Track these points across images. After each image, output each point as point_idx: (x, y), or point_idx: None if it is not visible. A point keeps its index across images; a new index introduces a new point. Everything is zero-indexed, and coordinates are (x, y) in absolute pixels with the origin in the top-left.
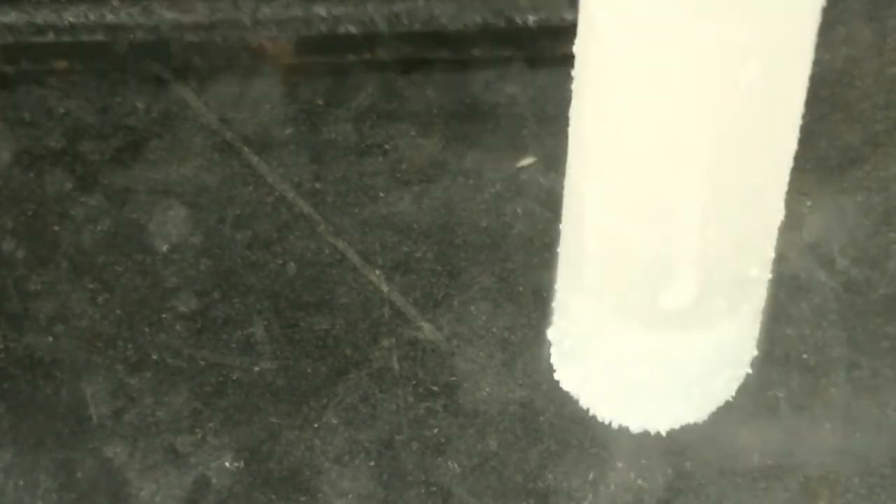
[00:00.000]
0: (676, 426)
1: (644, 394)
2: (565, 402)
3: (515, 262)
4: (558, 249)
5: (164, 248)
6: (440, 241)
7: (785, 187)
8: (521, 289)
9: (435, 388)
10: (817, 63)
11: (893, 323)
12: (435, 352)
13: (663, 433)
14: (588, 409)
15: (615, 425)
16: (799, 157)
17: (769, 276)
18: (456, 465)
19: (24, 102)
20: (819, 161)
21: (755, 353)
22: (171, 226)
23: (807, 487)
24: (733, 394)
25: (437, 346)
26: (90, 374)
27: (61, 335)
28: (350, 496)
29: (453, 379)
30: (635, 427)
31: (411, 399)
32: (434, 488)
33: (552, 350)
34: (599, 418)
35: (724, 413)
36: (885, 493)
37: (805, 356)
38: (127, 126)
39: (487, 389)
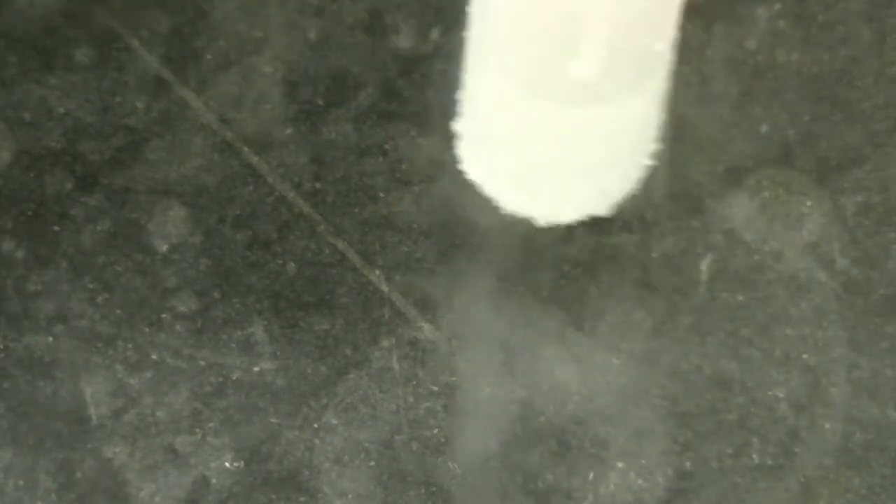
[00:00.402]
0: (580, 216)
1: (548, 180)
2: (565, 401)
3: (515, 262)
4: (467, 29)
5: (164, 248)
6: (440, 241)
7: None
8: (521, 289)
9: (435, 388)
10: (817, 63)
11: (893, 323)
12: (435, 352)
13: (569, 222)
14: (491, 200)
15: (520, 214)
16: (799, 157)
17: (670, 58)
18: (456, 465)
19: (24, 102)
20: (819, 161)
21: (657, 144)
22: (171, 226)
23: (807, 487)
24: (636, 186)
25: (437, 346)
26: (90, 374)
27: (61, 335)
28: (350, 496)
29: (453, 379)
30: (540, 218)
31: (411, 399)
32: (434, 488)
33: (458, 142)
34: (503, 207)
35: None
36: (885, 493)
37: (805, 356)
38: (127, 126)
39: (487, 389)
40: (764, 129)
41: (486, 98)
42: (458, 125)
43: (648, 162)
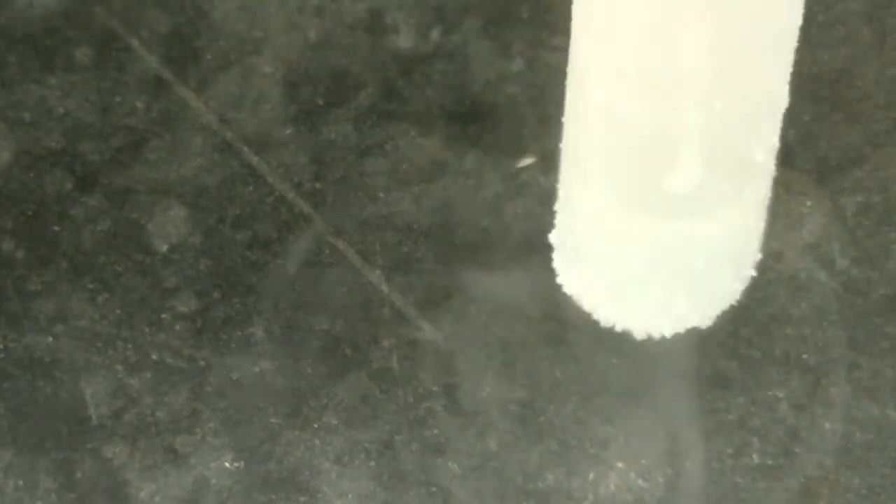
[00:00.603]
0: (680, 329)
1: (647, 293)
2: (565, 401)
3: (515, 262)
4: (560, 146)
5: (164, 248)
6: (440, 241)
7: (790, 69)
8: (521, 289)
9: (435, 388)
10: (817, 63)
11: (893, 323)
12: (435, 352)
13: (667, 335)
14: (591, 315)
15: (618, 328)
16: (799, 157)
17: (773, 168)
18: (456, 465)
19: (24, 102)
20: (819, 161)
21: (759, 256)
22: (171, 226)
23: (807, 487)
24: (738, 298)
25: (437, 346)
26: (90, 374)
27: (61, 335)
28: (350, 496)
29: (453, 379)
30: (638, 331)
31: (411, 399)
32: (434, 488)
33: (554, 255)
34: (602, 322)
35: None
36: (885, 493)
37: (805, 356)
38: (127, 126)
39: (487, 389)
40: None
41: (580, 210)
42: (553, 237)
43: (751, 273)
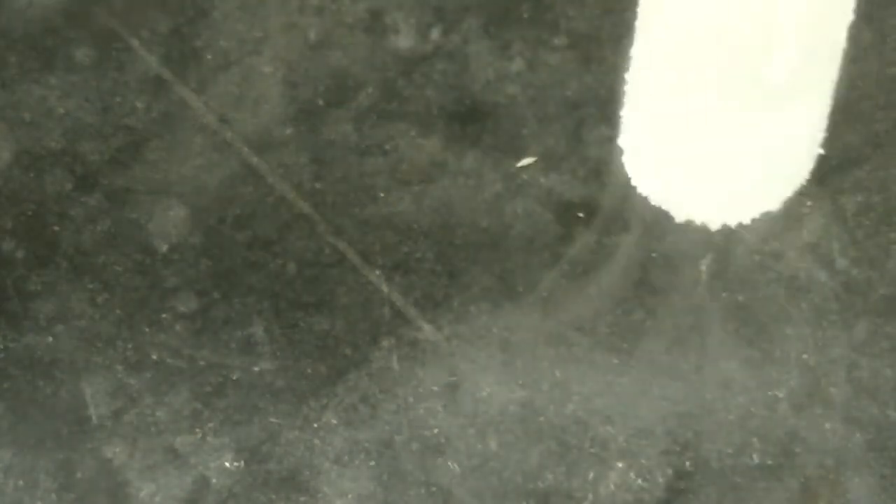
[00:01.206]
0: (756, 215)
1: (723, 183)
2: (565, 401)
3: (515, 262)
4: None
5: (164, 248)
6: (440, 241)
7: None
8: (521, 289)
9: (435, 388)
10: None
11: (893, 323)
12: (435, 352)
13: (746, 222)
14: (669, 211)
15: (698, 221)
16: None
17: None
18: (456, 465)
19: (24, 102)
20: (819, 161)
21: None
22: (171, 226)
23: (807, 487)
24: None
25: (437, 346)
26: (90, 374)
27: (61, 335)
28: (350, 496)
29: (453, 379)
30: (713, 222)
31: (411, 399)
32: (434, 488)
33: (624, 158)
34: (681, 217)
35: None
36: (885, 493)
37: (805, 356)
38: (127, 126)
39: (487, 389)
40: None
41: (656, 108)
42: (623, 140)
43: (821, 151)
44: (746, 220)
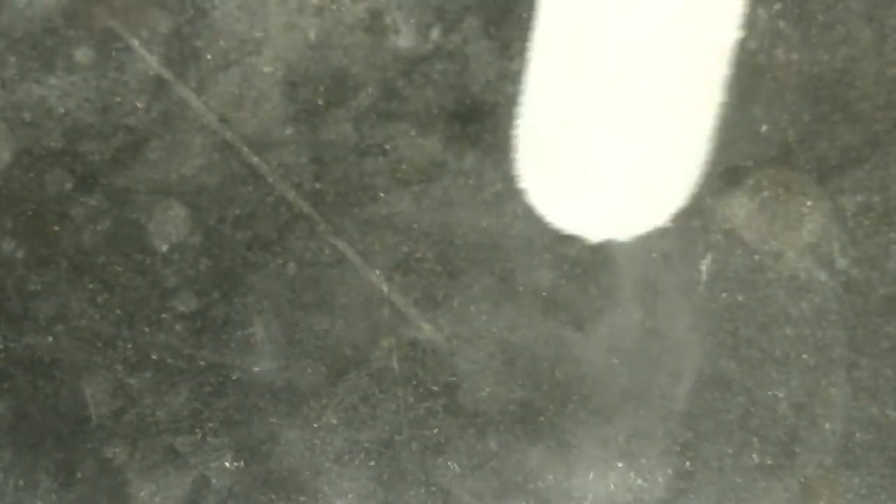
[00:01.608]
0: (644, 230)
1: (604, 196)
2: (565, 401)
3: (515, 262)
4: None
5: (164, 248)
6: (440, 241)
7: None
8: (521, 289)
9: (435, 388)
10: (817, 63)
11: (893, 323)
12: (435, 352)
13: (624, 240)
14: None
15: (578, 234)
16: (799, 157)
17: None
18: (456, 465)
19: (24, 102)
20: (819, 161)
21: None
22: (171, 226)
23: (807, 487)
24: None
25: (437, 346)
26: (90, 374)
27: (61, 335)
28: (350, 496)
29: (453, 379)
30: (594, 235)
31: (411, 399)
32: (434, 488)
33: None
34: (558, 227)
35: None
36: (885, 493)
37: (805, 356)
38: (127, 126)
39: (487, 389)
40: (764, 129)
41: (545, 118)
42: (519, 144)
43: (705, 164)
44: (626, 237)
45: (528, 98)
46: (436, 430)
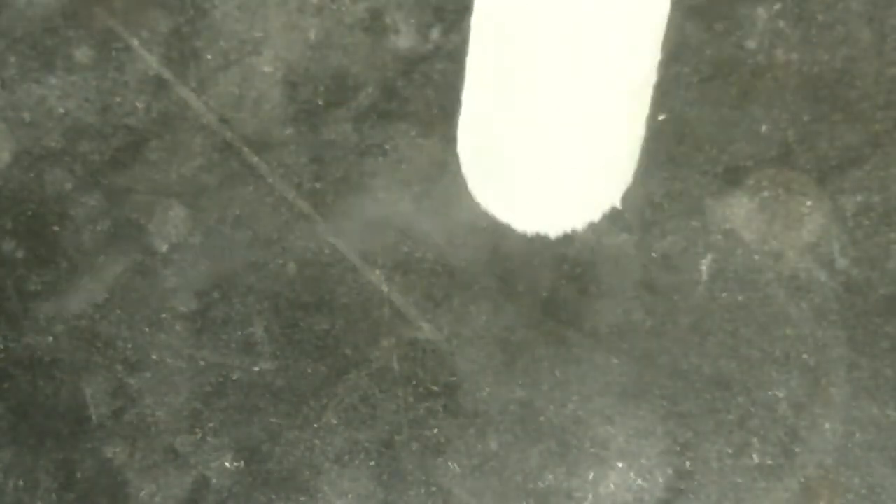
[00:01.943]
0: (593, 218)
1: (554, 193)
2: (565, 401)
3: (515, 262)
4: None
5: (164, 248)
6: (440, 241)
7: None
8: (521, 289)
9: (435, 388)
10: (817, 63)
11: (893, 323)
12: (435, 352)
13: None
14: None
15: (539, 231)
16: (799, 157)
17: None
18: (456, 465)
19: (24, 102)
20: (819, 161)
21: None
22: (171, 226)
23: (807, 487)
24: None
25: (437, 346)
26: (90, 374)
27: (61, 335)
28: (350, 496)
29: (453, 379)
30: (554, 230)
31: (411, 399)
32: (434, 488)
33: (468, 180)
34: (521, 229)
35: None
36: (885, 493)
37: (805, 356)
38: (127, 126)
39: (487, 389)
40: (764, 129)
41: (486, 131)
42: (464, 163)
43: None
44: (580, 226)
45: (468, 90)
46: (436, 430)
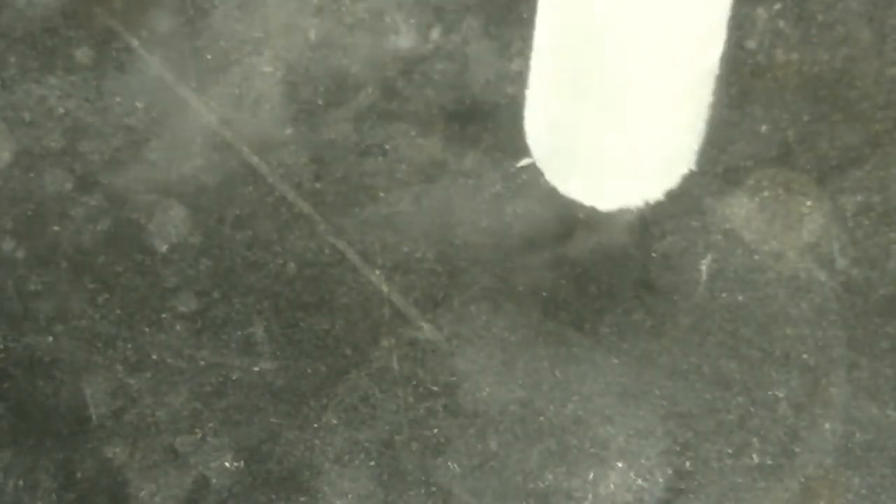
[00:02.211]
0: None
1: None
2: (565, 401)
3: (515, 262)
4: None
5: (164, 248)
6: (440, 241)
7: None
8: (521, 289)
9: (435, 388)
10: (817, 63)
11: (893, 323)
12: (435, 352)
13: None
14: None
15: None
16: (799, 157)
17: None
18: (456, 465)
19: (24, 102)
20: (819, 161)
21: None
22: (171, 226)
23: (807, 487)
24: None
25: (437, 346)
26: (90, 374)
27: (61, 335)
28: (350, 496)
29: (453, 379)
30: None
31: (411, 399)
32: (434, 488)
33: (536, 158)
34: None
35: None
36: (885, 493)
37: (805, 356)
38: (127, 126)
39: (487, 389)
40: (764, 129)
41: (554, 114)
42: (532, 143)
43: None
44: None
45: (532, 89)
46: (436, 430)
